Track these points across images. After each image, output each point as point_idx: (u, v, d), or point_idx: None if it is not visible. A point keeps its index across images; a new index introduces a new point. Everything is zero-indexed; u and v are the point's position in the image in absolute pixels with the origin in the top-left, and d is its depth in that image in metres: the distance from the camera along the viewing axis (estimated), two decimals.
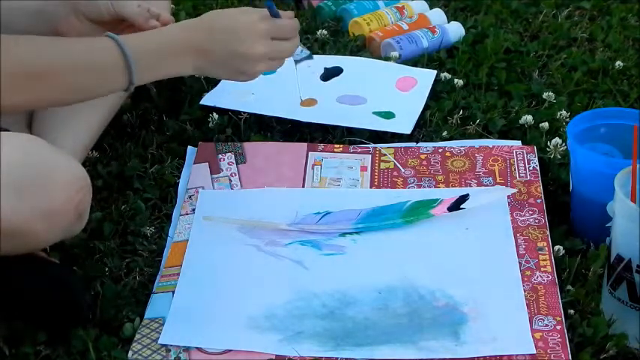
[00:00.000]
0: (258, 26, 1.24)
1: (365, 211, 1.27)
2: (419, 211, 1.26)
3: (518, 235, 1.23)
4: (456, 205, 1.26)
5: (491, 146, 1.40)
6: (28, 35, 1.12)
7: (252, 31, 1.24)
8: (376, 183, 1.35)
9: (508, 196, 1.29)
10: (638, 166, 1.07)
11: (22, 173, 0.99)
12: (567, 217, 1.27)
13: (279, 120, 1.48)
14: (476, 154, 1.39)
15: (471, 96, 1.56)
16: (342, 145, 1.42)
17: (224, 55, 1.24)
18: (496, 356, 1.05)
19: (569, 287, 1.15)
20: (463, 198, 1.26)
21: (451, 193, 1.28)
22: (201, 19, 1.26)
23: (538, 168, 1.35)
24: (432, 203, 1.27)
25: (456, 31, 1.74)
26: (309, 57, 1.42)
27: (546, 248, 1.20)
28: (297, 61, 1.40)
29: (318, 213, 1.28)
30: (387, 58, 1.67)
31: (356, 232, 1.25)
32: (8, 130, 1.09)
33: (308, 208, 1.29)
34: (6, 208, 0.97)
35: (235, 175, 1.36)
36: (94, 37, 1.19)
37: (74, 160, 1.08)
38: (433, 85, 1.58)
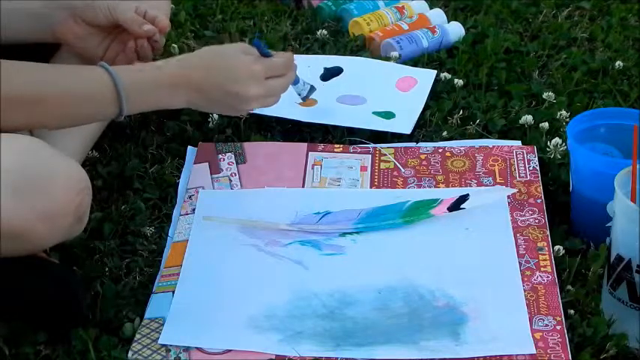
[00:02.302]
0: (253, 68, 1.25)
1: (365, 211, 1.27)
2: (419, 211, 1.26)
3: (518, 235, 1.23)
4: (456, 205, 1.26)
5: (491, 146, 1.40)
6: (26, 62, 1.13)
7: (247, 72, 1.25)
8: (376, 183, 1.35)
9: (508, 196, 1.29)
10: (638, 166, 1.07)
11: (23, 175, 0.99)
12: (567, 217, 1.27)
13: (279, 120, 1.48)
14: (476, 154, 1.39)
15: (471, 96, 1.56)
16: (342, 145, 1.42)
17: (219, 95, 1.26)
18: (496, 356, 1.05)
19: (569, 287, 1.15)
20: (463, 198, 1.26)
21: (451, 193, 1.28)
22: (200, 56, 1.27)
23: (538, 168, 1.35)
24: (432, 203, 1.27)
25: (456, 31, 1.74)
26: (312, 89, 1.43)
27: (546, 248, 1.20)
28: (303, 98, 1.44)
29: (318, 213, 1.28)
30: (387, 58, 1.67)
31: (356, 232, 1.25)
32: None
33: (308, 208, 1.29)
34: (6, 209, 0.97)
35: (235, 175, 1.36)
36: (88, 65, 1.20)
37: (75, 162, 1.08)
38: (433, 85, 1.58)
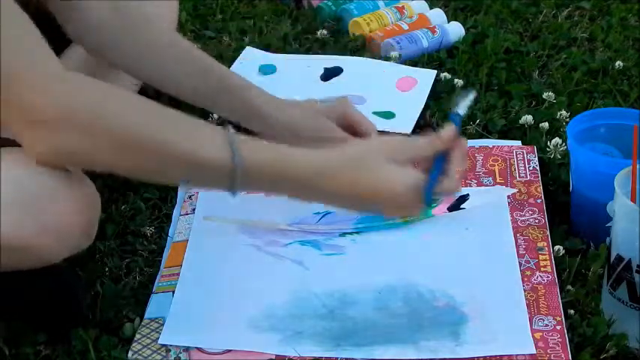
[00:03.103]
0: (401, 200, 1.04)
1: None
2: None
3: (518, 235, 1.23)
4: (456, 205, 1.26)
5: (491, 146, 1.40)
6: (141, 98, 0.99)
7: (396, 203, 1.05)
8: None
9: (508, 196, 1.29)
10: (638, 166, 1.07)
11: (30, 190, 0.96)
12: (567, 217, 1.27)
13: None
14: (476, 154, 1.39)
15: None
16: None
17: (362, 210, 1.14)
18: (496, 356, 1.05)
19: (569, 287, 1.15)
20: (463, 198, 1.26)
21: None
22: (343, 163, 1.02)
23: (538, 168, 1.35)
24: None
25: (456, 31, 1.74)
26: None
27: (546, 248, 1.20)
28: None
29: (318, 213, 1.28)
30: (387, 58, 1.67)
31: (356, 232, 1.25)
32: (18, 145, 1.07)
33: (308, 208, 1.29)
34: (14, 224, 0.95)
35: None
36: (213, 127, 1.00)
37: (84, 176, 1.05)
38: (433, 85, 1.58)
